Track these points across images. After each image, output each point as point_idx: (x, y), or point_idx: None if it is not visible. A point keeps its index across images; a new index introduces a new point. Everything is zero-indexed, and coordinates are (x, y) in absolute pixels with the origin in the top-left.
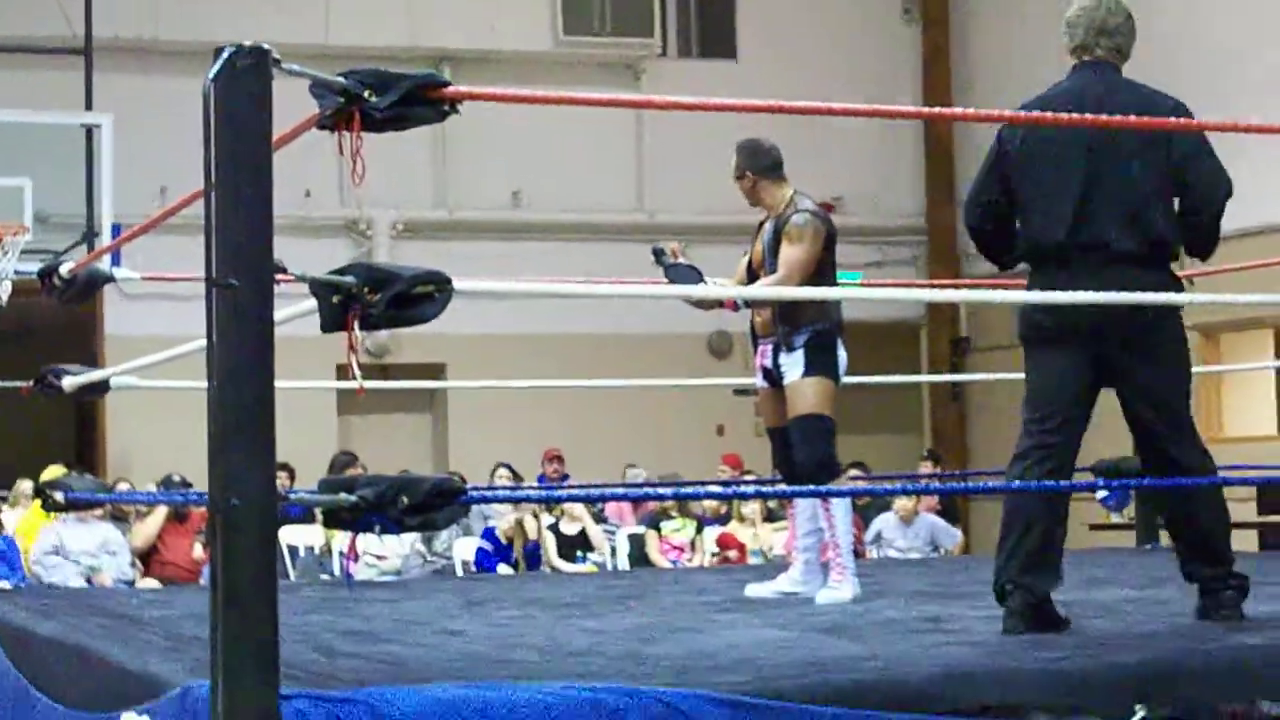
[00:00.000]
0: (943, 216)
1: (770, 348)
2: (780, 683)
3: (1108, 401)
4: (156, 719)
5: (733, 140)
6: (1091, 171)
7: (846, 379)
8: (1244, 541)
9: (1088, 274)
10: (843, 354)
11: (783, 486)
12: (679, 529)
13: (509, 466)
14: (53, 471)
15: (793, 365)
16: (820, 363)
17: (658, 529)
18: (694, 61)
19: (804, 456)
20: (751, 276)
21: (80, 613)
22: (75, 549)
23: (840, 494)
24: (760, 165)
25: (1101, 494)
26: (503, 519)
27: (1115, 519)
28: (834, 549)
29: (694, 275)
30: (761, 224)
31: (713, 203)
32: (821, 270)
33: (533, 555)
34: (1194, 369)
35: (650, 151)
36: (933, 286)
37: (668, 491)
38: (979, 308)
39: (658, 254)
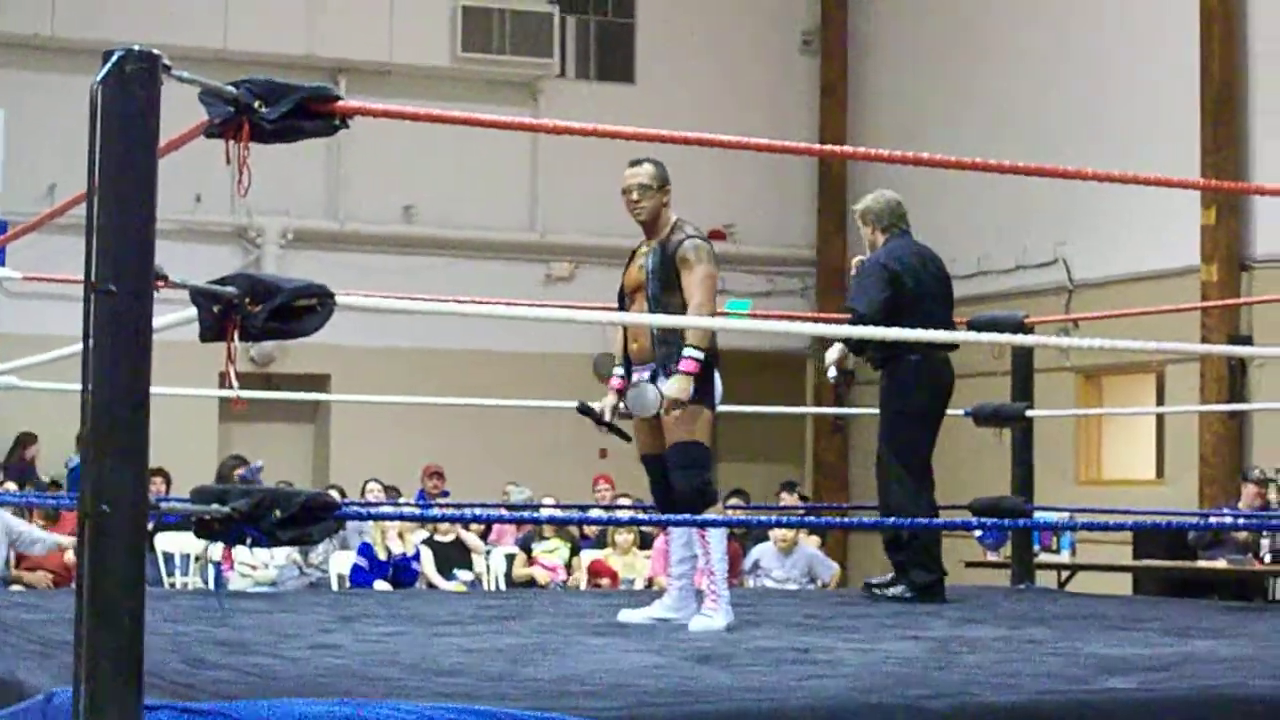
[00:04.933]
0: (833, 248)
1: (647, 374)
2: (650, 710)
3: (981, 439)
4: None
5: (626, 163)
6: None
7: (729, 407)
8: (1119, 585)
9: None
10: (719, 382)
11: (661, 514)
12: (551, 550)
13: (379, 481)
14: None
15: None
16: (697, 390)
17: (529, 551)
18: (592, 84)
19: (681, 483)
20: (621, 300)
21: None
22: None
23: (718, 524)
24: (668, 183)
25: (978, 532)
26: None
27: (991, 557)
28: (708, 576)
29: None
30: (636, 249)
31: (605, 224)
32: None
33: (404, 570)
34: (1074, 411)
35: (544, 171)
36: (819, 320)
37: (545, 515)
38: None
39: (585, 411)
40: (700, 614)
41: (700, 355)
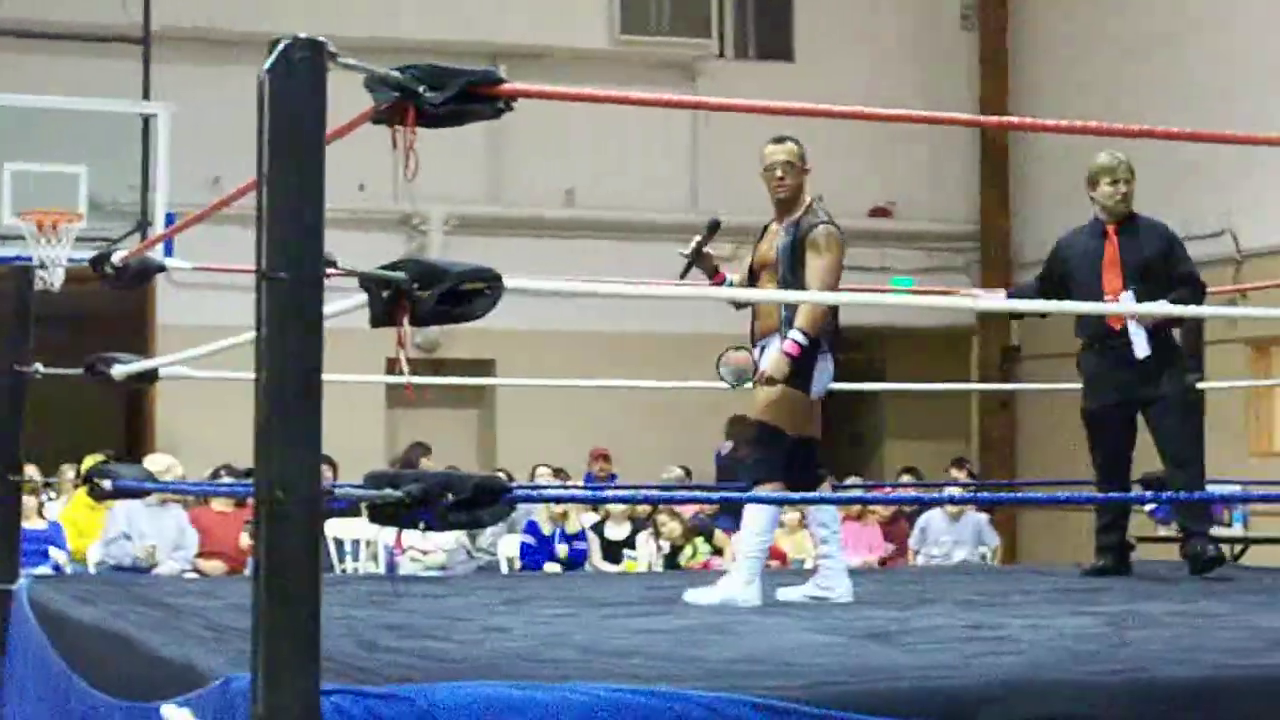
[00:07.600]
0: (997, 223)
1: (773, 345)
2: (826, 689)
3: None
4: (196, 711)
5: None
6: None
7: (895, 385)
8: None
9: None
10: (827, 369)
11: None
12: (692, 556)
13: (549, 466)
14: (92, 460)
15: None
16: (795, 375)
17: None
18: (751, 63)
19: (748, 459)
20: (752, 276)
21: (121, 600)
22: (149, 535)
23: (827, 501)
24: (808, 162)
25: (1150, 506)
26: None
27: (1163, 531)
28: (740, 550)
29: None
30: (767, 226)
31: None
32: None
33: (576, 553)
34: (1246, 382)
35: (705, 152)
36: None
37: (714, 495)
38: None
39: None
40: (713, 586)
41: (805, 340)
